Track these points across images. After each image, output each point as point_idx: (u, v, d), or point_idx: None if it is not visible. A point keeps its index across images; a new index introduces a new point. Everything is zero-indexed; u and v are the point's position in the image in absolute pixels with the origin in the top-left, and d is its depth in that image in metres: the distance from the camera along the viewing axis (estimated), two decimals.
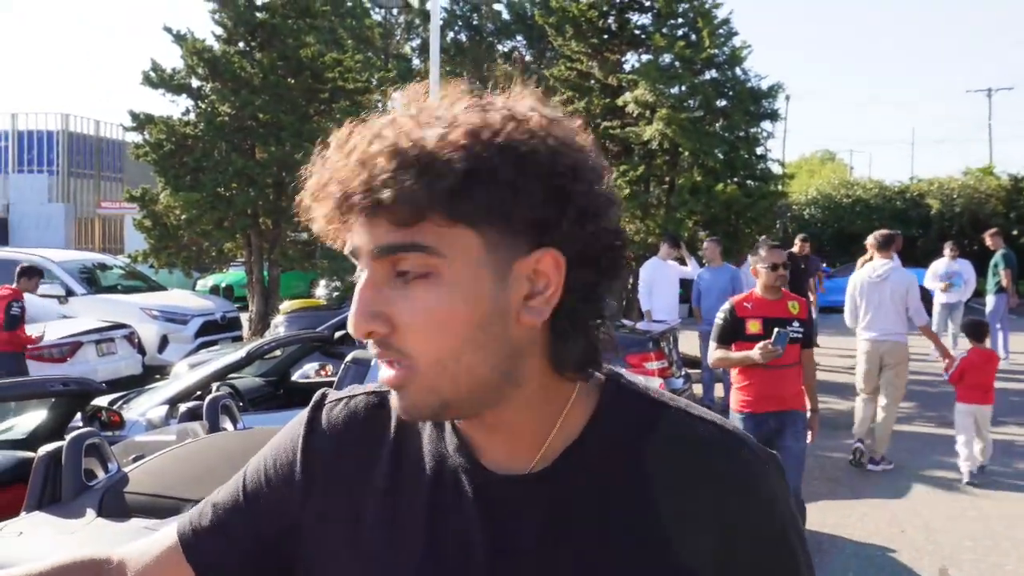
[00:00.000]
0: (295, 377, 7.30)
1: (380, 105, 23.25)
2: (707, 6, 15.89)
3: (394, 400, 0.92)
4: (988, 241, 13.31)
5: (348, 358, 5.70)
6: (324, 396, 1.09)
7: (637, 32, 16.48)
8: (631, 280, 16.76)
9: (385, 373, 0.89)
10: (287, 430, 1.09)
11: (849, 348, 13.78)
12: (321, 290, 17.98)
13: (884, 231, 8.55)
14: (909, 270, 8.68)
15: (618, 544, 0.92)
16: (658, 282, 10.03)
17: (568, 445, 0.95)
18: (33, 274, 9.29)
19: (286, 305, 15.36)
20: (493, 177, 0.85)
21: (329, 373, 7.17)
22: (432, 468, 0.99)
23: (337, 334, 8.32)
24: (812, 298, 13.70)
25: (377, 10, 30.56)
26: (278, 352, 7.15)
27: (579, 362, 0.93)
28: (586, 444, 0.95)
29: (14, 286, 8.73)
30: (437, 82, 16.62)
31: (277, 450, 1.07)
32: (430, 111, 0.91)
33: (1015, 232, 23.31)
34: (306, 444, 1.04)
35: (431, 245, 0.86)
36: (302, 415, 1.08)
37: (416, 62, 31.97)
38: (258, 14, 15.85)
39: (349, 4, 30.71)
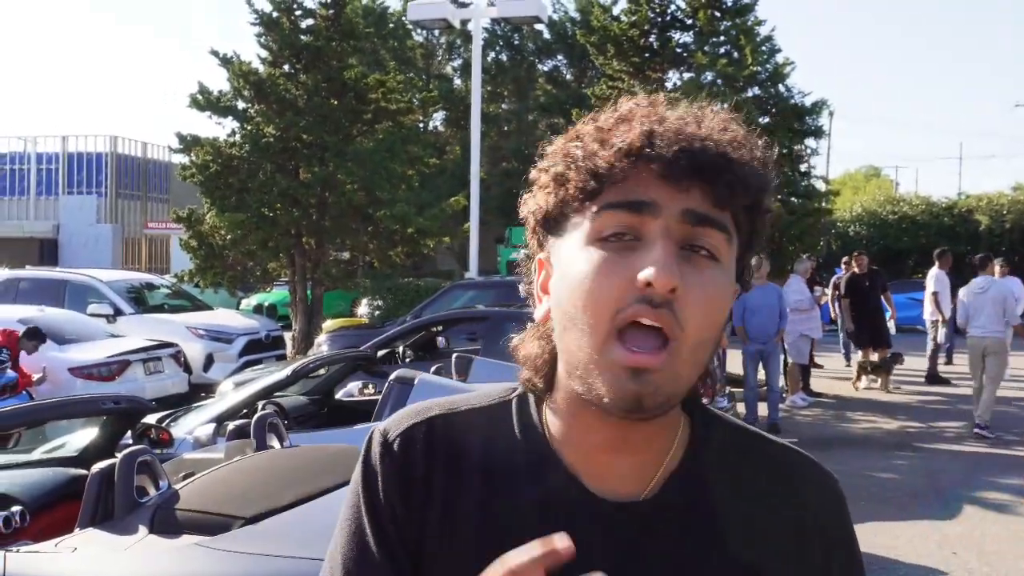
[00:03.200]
0: (339, 395, 7.34)
1: (422, 125, 23.46)
2: (749, 23, 15.84)
3: (627, 384, 0.86)
4: None
5: (392, 377, 5.72)
6: (384, 431, 1.02)
7: (679, 50, 16.45)
8: None
9: (636, 356, 0.85)
10: (358, 483, 1.00)
11: (911, 369, 13.59)
12: (363, 309, 18.07)
13: (982, 255, 11.17)
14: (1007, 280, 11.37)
15: (734, 566, 0.95)
16: None
17: (674, 470, 0.97)
18: (34, 337, 9.11)
19: (329, 324, 15.47)
20: (768, 205, 0.95)
21: (372, 392, 7.20)
22: (535, 497, 0.96)
23: (380, 353, 8.37)
24: (892, 312, 13.49)
25: (419, 31, 30.81)
26: (322, 371, 7.20)
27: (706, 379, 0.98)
28: (693, 467, 0.98)
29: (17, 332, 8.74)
30: (479, 102, 16.74)
31: (357, 508, 0.99)
32: (722, 122, 0.95)
33: None
34: (399, 484, 0.98)
35: (731, 232, 0.92)
36: (363, 458, 1.01)
37: (457, 82, 32.22)
38: (303, 37, 16.05)
39: (391, 25, 31.04)
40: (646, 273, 0.85)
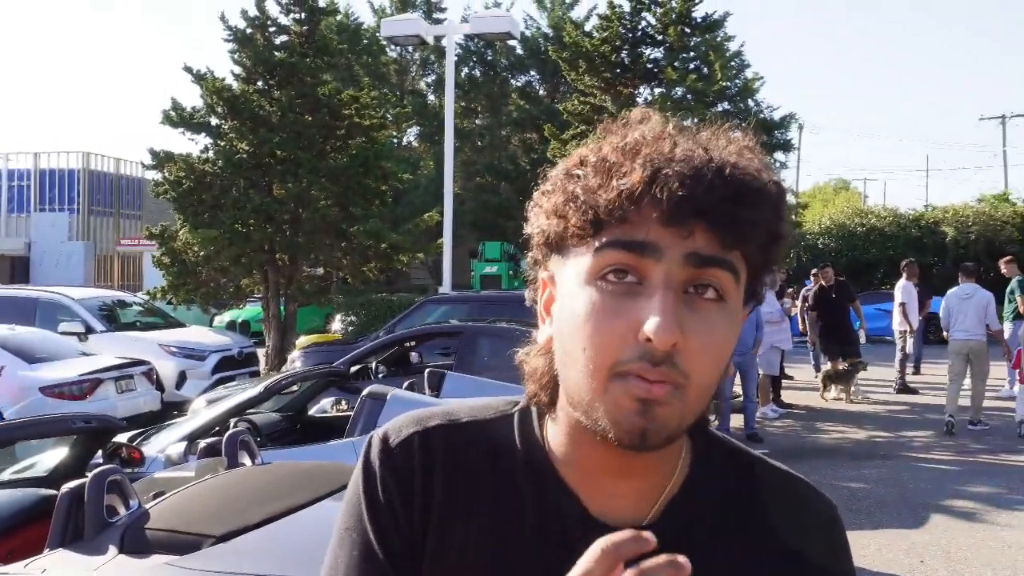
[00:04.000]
0: (312, 412, 7.33)
1: (396, 141, 23.47)
2: (719, 39, 16.03)
3: (634, 418, 0.85)
4: (1003, 268, 13.27)
5: (364, 393, 5.73)
6: (383, 436, 1.01)
7: (649, 66, 16.62)
8: None
9: (645, 386, 0.84)
10: (356, 491, 0.99)
11: (881, 380, 13.74)
12: (337, 324, 18.06)
13: (970, 264, 12.05)
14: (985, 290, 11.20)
15: None
16: None
17: (674, 495, 0.96)
18: None
19: (302, 340, 15.42)
20: (782, 225, 0.91)
21: (345, 408, 7.21)
22: (534, 513, 0.95)
23: (353, 368, 8.37)
24: (862, 322, 13.60)
25: (392, 47, 30.85)
26: (295, 387, 7.19)
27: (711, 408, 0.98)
28: (692, 494, 0.97)
29: None
30: (452, 117, 16.80)
31: (358, 516, 0.98)
32: (737, 151, 0.91)
33: None
34: (399, 493, 0.97)
35: (739, 271, 0.88)
36: (361, 466, 1.00)
37: (431, 98, 32.28)
38: (277, 53, 16.07)
39: (365, 42, 31.07)
40: (647, 329, 0.82)
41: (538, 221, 0.94)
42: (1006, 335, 13.08)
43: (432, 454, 0.99)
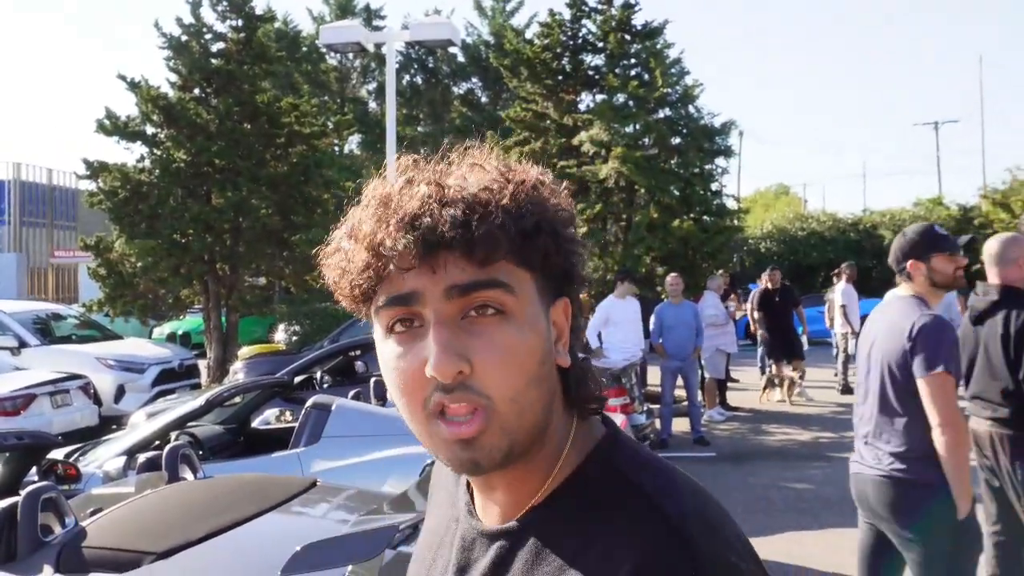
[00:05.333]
0: (255, 424, 7.21)
1: (337, 149, 23.29)
2: (659, 46, 16.15)
3: (460, 454, 0.91)
4: None
5: (308, 403, 5.66)
6: None
7: (591, 73, 16.69)
8: (590, 317, 16.83)
9: (455, 429, 0.89)
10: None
11: (824, 381, 13.93)
12: (280, 335, 17.83)
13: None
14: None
15: None
16: (615, 320, 9.99)
17: (536, 505, 0.97)
18: None
19: (245, 351, 15.22)
20: (551, 228, 0.93)
21: (289, 419, 7.10)
22: (448, 517, 1.10)
23: (297, 379, 8.25)
24: (804, 326, 13.78)
25: (332, 54, 30.65)
26: (237, 399, 7.07)
27: (595, 399, 1.00)
28: (552, 507, 0.96)
29: None
30: (394, 125, 16.70)
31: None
32: (468, 172, 0.95)
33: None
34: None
35: (508, 283, 0.90)
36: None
37: (372, 105, 32.13)
38: (213, 60, 15.86)
39: (305, 49, 30.82)
40: (428, 369, 0.87)
41: (336, 288, 0.98)
42: None
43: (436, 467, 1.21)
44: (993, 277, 4.37)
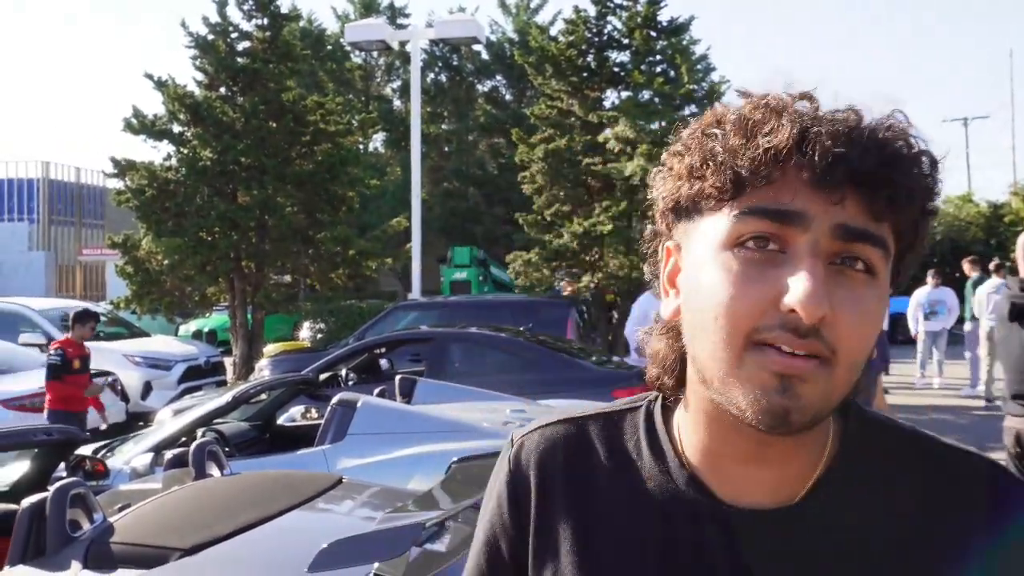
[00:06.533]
0: (281, 421, 7.23)
1: (362, 147, 23.36)
2: (685, 43, 16.09)
3: (775, 396, 0.78)
4: (966, 268, 13.40)
5: (334, 400, 5.66)
6: (511, 439, 1.03)
7: (616, 69, 16.64)
8: (615, 315, 16.80)
9: (788, 360, 0.78)
10: (487, 492, 1.04)
11: None
12: (305, 332, 17.89)
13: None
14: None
15: None
16: (651, 318, 9.88)
17: (819, 477, 0.89)
18: (87, 319, 8.47)
19: (270, 348, 15.28)
20: (935, 214, 0.85)
21: (315, 416, 7.11)
22: (659, 505, 0.92)
23: (322, 376, 8.27)
24: None
25: (357, 53, 30.73)
26: (263, 396, 7.09)
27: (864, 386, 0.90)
28: (839, 476, 0.89)
29: (69, 336, 8.35)
30: (419, 123, 16.73)
31: (491, 515, 1.03)
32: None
33: (997, 259, 23.49)
34: (512, 491, 1.00)
35: (888, 247, 0.82)
36: (499, 464, 1.03)
37: (397, 103, 32.18)
38: (240, 59, 15.93)
39: (329, 47, 30.91)
40: (792, 299, 0.76)
41: (666, 185, 0.88)
42: (966, 335, 13.29)
43: (549, 451, 0.99)
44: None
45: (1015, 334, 4.29)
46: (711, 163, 0.82)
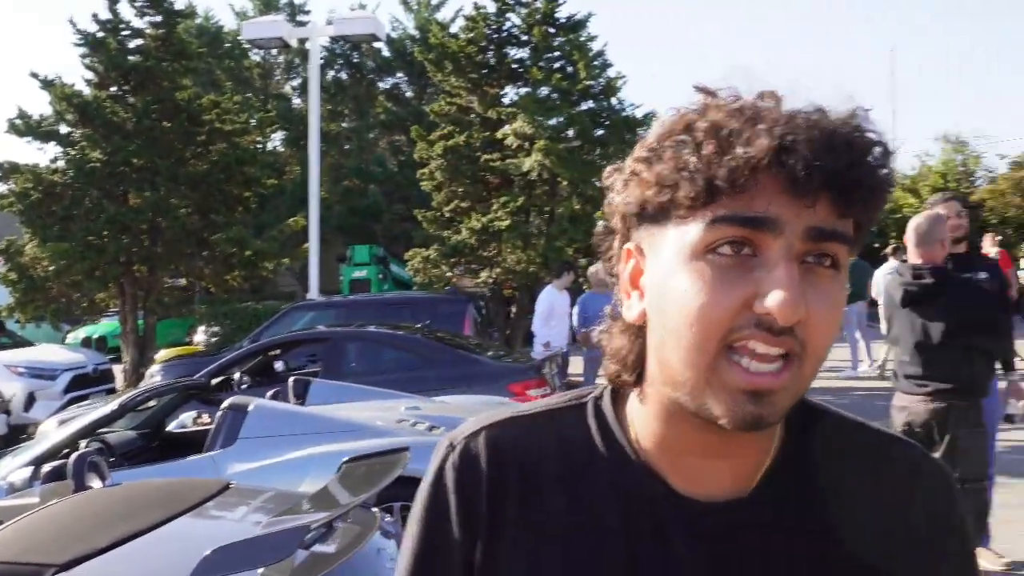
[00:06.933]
0: (171, 428, 7.06)
1: (261, 146, 22.95)
2: (582, 39, 16.24)
3: (746, 407, 0.80)
4: None
5: (224, 404, 5.55)
6: (451, 442, 0.99)
7: (515, 66, 16.72)
8: (513, 310, 16.89)
9: (757, 379, 0.79)
10: (423, 497, 0.99)
11: None
12: (200, 336, 17.48)
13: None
14: None
15: (840, 562, 0.90)
16: (556, 311, 9.98)
17: (771, 466, 0.92)
18: None
19: (162, 354, 14.89)
20: (886, 201, 0.86)
21: (206, 422, 6.96)
22: (617, 499, 0.92)
23: (215, 380, 8.11)
24: None
25: (255, 50, 30.20)
26: (152, 403, 6.91)
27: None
28: (790, 463, 0.92)
29: None
30: (318, 121, 16.51)
31: (425, 522, 0.98)
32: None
33: (876, 244, 24.37)
34: (460, 496, 0.96)
35: (852, 240, 0.83)
36: (435, 469, 0.98)
37: (296, 101, 31.74)
38: (131, 57, 15.51)
39: (227, 45, 30.33)
40: (770, 304, 0.78)
41: (631, 190, 0.87)
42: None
43: (499, 452, 0.96)
44: (916, 257, 4.45)
45: (907, 318, 4.46)
46: (685, 173, 0.82)
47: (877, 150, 0.82)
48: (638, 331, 0.92)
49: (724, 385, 0.80)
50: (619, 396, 0.97)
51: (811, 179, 0.78)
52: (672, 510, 0.90)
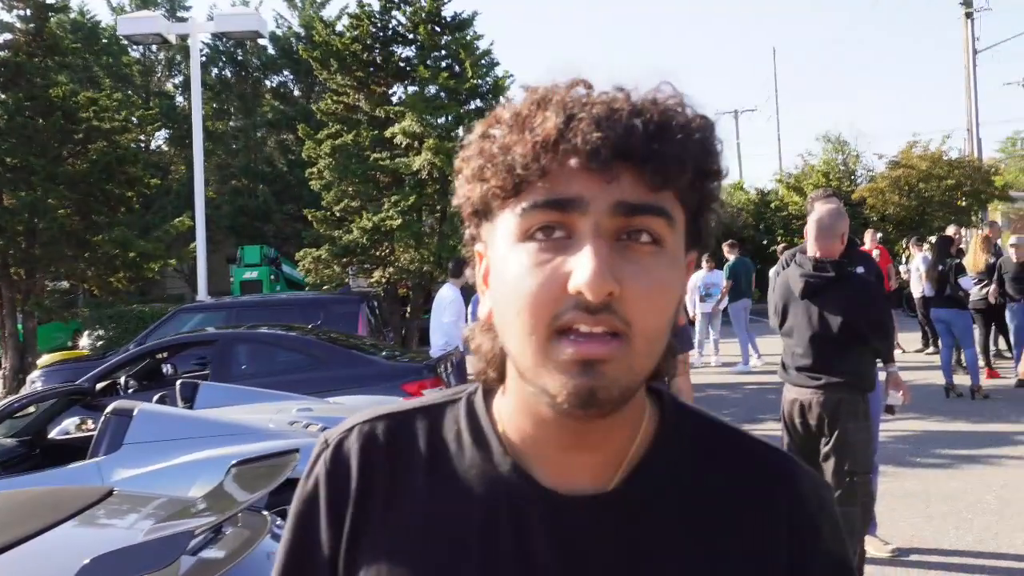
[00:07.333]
0: (53, 434, 6.85)
1: (143, 144, 22.36)
2: (468, 38, 16.28)
3: (578, 379, 0.80)
4: (725, 250, 14.27)
5: (108, 409, 5.42)
6: (325, 440, 1.00)
7: (402, 64, 16.66)
8: (408, 309, 16.85)
9: (585, 347, 0.79)
10: (297, 496, 0.99)
11: None
12: (85, 340, 16.96)
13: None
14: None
15: (696, 565, 0.90)
16: (456, 309, 9.90)
17: (639, 462, 0.92)
18: None
19: (45, 358, 14.41)
20: (719, 174, 0.87)
21: (91, 427, 6.78)
22: (481, 493, 0.92)
23: (99, 385, 7.89)
24: None
25: (134, 47, 29.29)
26: (33, 408, 6.69)
27: (670, 368, 0.92)
28: (656, 461, 0.92)
29: None
30: (200, 119, 16.16)
31: (296, 521, 0.99)
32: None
33: (765, 242, 25.11)
34: (329, 494, 0.96)
35: (672, 215, 0.83)
36: (310, 467, 0.99)
37: (180, 99, 30.92)
38: (0, 53, 14.89)
39: (105, 41, 29.32)
40: (577, 280, 0.78)
41: (461, 189, 0.89)
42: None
43: (370, 449, 0.96)
44: (815, 250, 4.52)
45: (804, 310, 4.52)
46: (491, 164, 0.84)
47: (679, 121, 0.83)
48: (495, 329, 0.92)
49: (555, 362, 0.81)
50: (491, 393, 0.98)
51: (600, 153, 0.79)
52: (535, 504, 0.90)
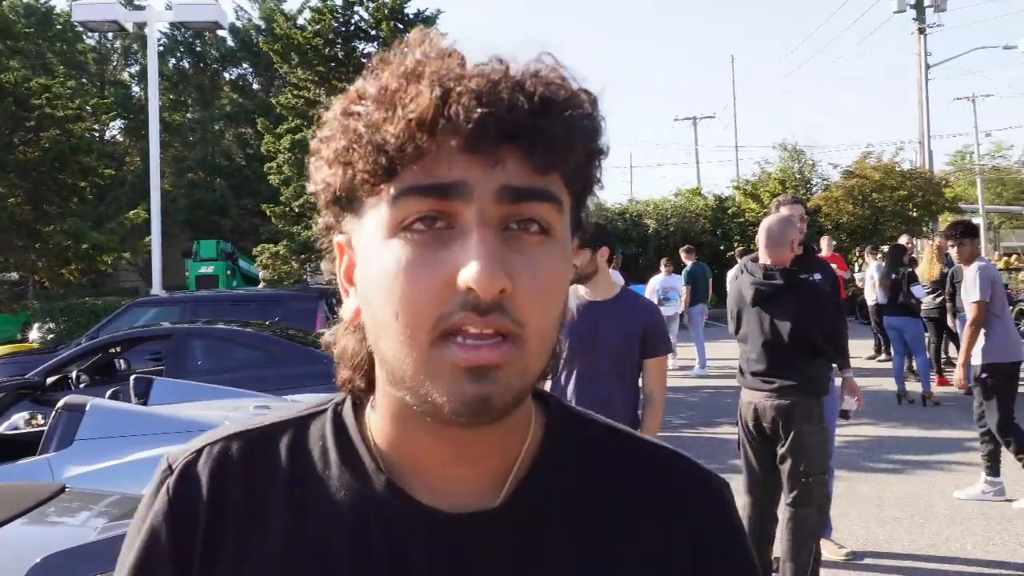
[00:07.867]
0: (1, 429, 6.71)
1: (97, 134, 21.99)
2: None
3: (469, 387, 0.72)
4: (682, 256, 14.38)
5: (59, 404, 5.32)
6: (168, 463, 0.85)
7: (364, 60, 16.55)
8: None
9: (474, 353, 0.71)
10: (138, 524, 0.84)
11: None
12: (35, 333, 16.64)
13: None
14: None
15: (588, 571, 0.83)
16: None
17: (525, 473, 0.84)
18: None
19: None
20: (603, 155, 0.80)
21: (41, 422, 6.65)
22: (351, 515, 0.81)
23: (50, 379, 7.75)
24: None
25: (90, 34, 28.86)
26: None
27: (556, 367, 0.84)
28: (544, 469, 0.84)
29: None
30: (157, 109, 15.94)
31: (141, 556, 0.82)
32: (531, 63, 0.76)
33: (722, 247, 25.35)
34: (173, 525, 0.82)
35: (560, 199, 0.75)
36: (150, 495, 0.85)
37: (136, 89, 30.56)
38: None
39: (59, 27, 28.87)
40: (466, 277, 0.70)
41: (319, 174, 0.78)
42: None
43: (221, 473, 0.84)
44: (766, 257, 4.60)
45: (756, 316, 4.59)
46: (356, 145, 0.73)
47: (566, 96, 0.75)
48: (363, 331, 0.82)
49: (442, 370, 0.72)
50: (361, 403, 0.88)
51: (485, 133, 0.70)
52: (413, 525, 0.81)
